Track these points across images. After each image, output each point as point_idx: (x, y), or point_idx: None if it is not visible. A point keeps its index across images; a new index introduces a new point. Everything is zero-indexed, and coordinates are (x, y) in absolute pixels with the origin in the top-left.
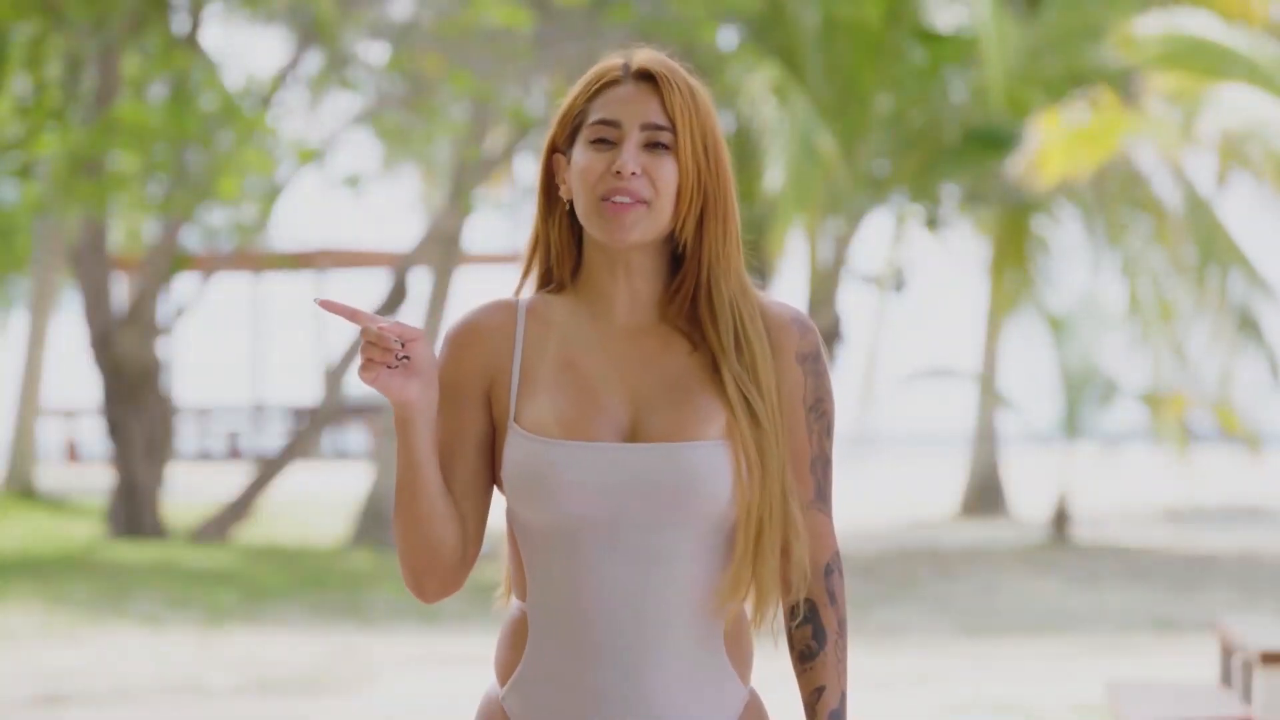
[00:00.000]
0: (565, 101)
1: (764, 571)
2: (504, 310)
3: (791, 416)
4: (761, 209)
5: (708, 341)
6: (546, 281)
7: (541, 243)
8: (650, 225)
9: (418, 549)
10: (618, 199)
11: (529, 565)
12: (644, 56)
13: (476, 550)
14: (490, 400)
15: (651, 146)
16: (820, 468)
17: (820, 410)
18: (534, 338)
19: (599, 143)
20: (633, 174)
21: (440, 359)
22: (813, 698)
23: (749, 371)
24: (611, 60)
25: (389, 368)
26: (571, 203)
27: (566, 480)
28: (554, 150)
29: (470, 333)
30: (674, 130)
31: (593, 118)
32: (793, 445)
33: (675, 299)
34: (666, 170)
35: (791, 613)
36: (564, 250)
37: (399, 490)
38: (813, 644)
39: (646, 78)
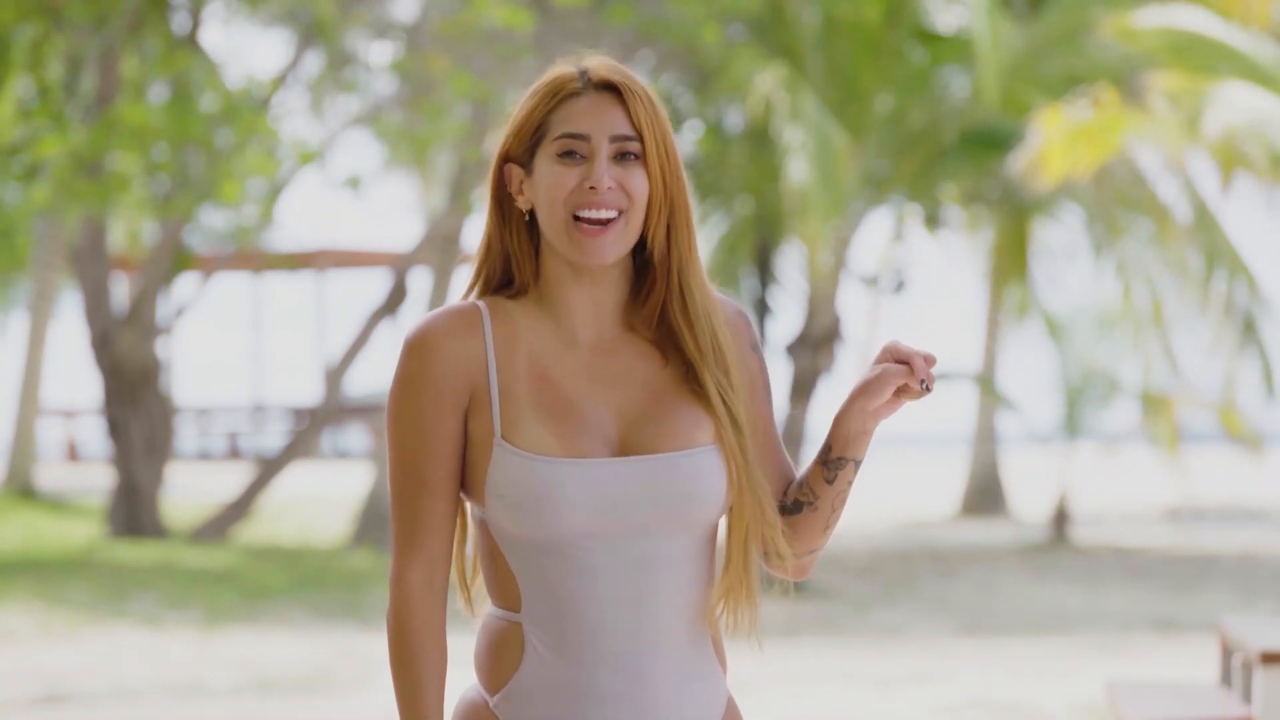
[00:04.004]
0: (519, 113)
1: (752, 572)
2: (469, 317)
3: (758, 401)
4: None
5: (684, 350)
6: (493, 287)
7: (495, 252)
8: (625, 240)
9: None
10: (592, 214)
11: (521, 578)
12: (601, 66)
13: (449, 568)
14: (466, 412)
15: (620, 157)
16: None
17: (770, 389)
18: (503, 349)
19: (567, 156)
20: (608, 188)
21: (408, 368)
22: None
23: (725, 376)
24: (564, 70)
25: None
26: (530, 212)
27: (570, 498)
28: (505, 160)
29: (441, 340)
30: (641, 140)
31: (557, 131)
32: (763, 425)
33: (642, 309)
34: (637, 180)
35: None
36: (524, 258)
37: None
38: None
39: (607, 87)
